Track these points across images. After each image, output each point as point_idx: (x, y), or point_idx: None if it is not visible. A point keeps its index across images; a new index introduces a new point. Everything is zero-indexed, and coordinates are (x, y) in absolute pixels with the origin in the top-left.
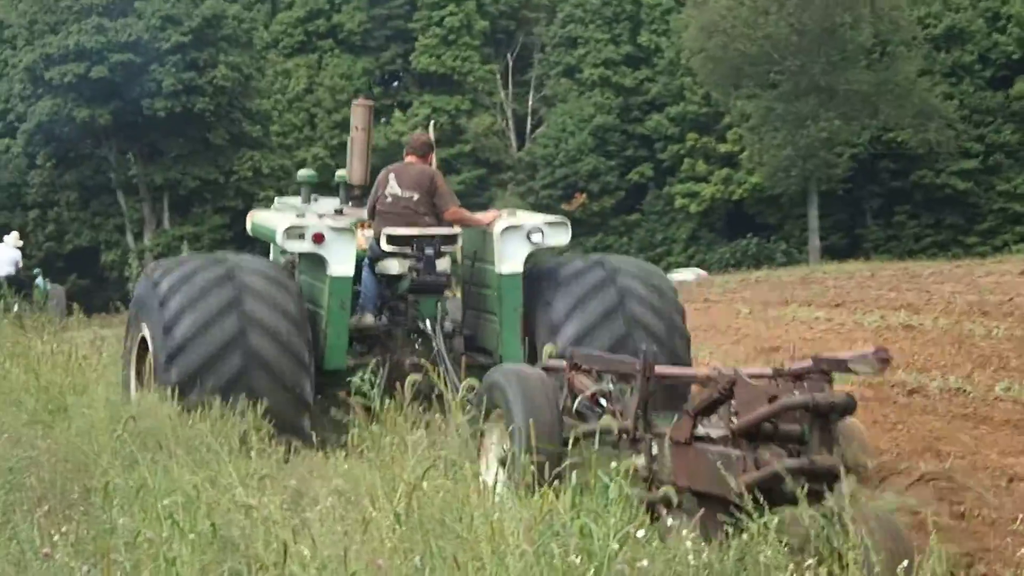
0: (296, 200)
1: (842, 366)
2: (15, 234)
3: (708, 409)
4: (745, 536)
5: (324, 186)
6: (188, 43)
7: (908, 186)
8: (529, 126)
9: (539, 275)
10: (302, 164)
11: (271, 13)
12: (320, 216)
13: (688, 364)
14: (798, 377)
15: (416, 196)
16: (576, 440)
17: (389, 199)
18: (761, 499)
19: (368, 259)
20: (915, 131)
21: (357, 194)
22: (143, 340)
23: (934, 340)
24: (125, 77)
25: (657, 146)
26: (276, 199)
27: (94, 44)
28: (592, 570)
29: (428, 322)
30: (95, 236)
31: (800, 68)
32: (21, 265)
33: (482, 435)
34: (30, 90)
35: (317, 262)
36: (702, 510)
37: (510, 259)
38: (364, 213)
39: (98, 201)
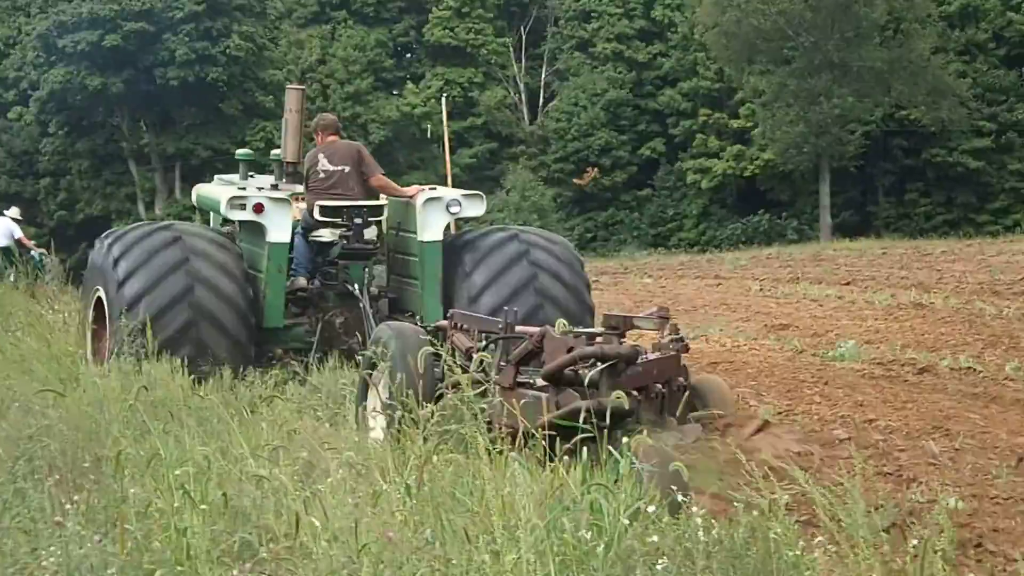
0: (235, 177)
1: (629, 323)
2: (15, 209)
3: (526, 359)
4: (755, 512)
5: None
6: (202, 12)
7: (920, 164)
8: (542, 100)
9: (461, 246)
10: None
11: None
12: (259, 189)
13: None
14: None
15: (347, 168)
16: (447, 390)
17: (322, 174)
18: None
19: (302, 228)
20: (928, 109)
21: (290, 171)
22: (99, 301)
23: (944, 319)
24: (138, 46)
25: (669, 121)
26: (216, 176)
27: (108, 12)
28: (602, 545)
29: (356, 285)
30: (107, 205)
31: (814, 44)
32: (17, 237)
33: (369, 384)
34: (43, 58)
35: (257, 230)
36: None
37: (431, 228)
38: (298, 188)
39: (110, 170)
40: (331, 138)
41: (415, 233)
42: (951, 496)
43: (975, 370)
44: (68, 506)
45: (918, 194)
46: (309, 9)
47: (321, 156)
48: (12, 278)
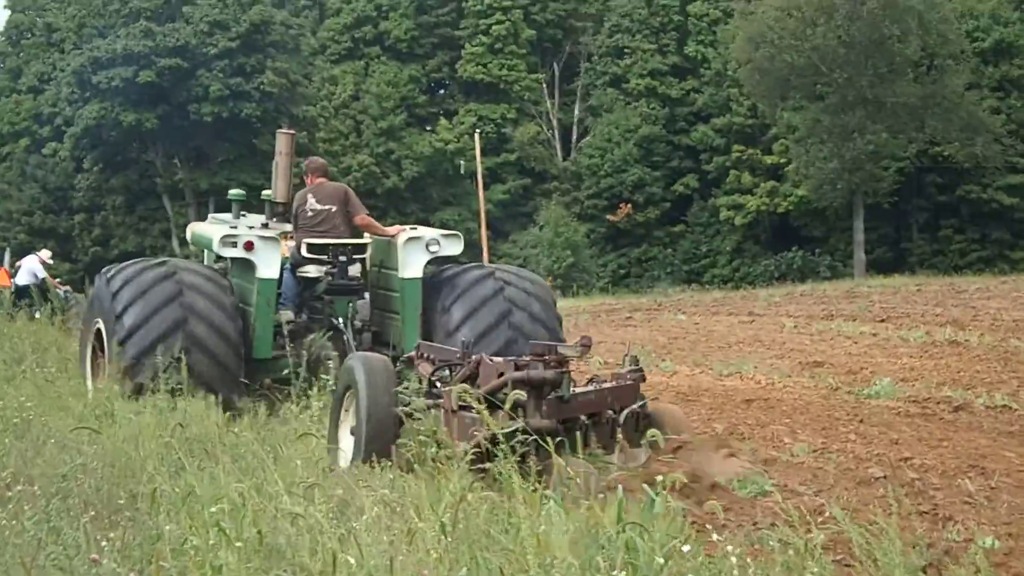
0: (228, 216)
1: (553, 351)
2: (46, 252)
3: (466, 382)
4: (791, 552)
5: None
6: (236, 48)
7: (955, 200)
8: (575, 136)
9: (440, 283)
10: (348, 171)
11: (319, 19)
12: (250, 228)
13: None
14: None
15: (334, 208)
16: (409, 414)
17: (310, 213)
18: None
19: (290, 265)
20: (962, 145)
21: (280, 210)
22: (98, 332)
23: (980, 356)
24: (173, 82)
25: (703, 157)
26: (210, 215)
27: (142, 48)
28: None
29: (341, 320)
30: (141, 241)
31: (847, 80)
32: (42, 277)
33: (341, 409)
34: (78, 94)
35: (247, 266)
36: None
37: (411, 266)
38: (287, 227)
39: (144, 206)
40: (319, 180)
41: (396, 270)
42: (987, 535)
43: (1011, 408)
44: (104, 543)
45: (952, 231)
46: (342, 45)
47: (310, 196)
48: (38, 315)
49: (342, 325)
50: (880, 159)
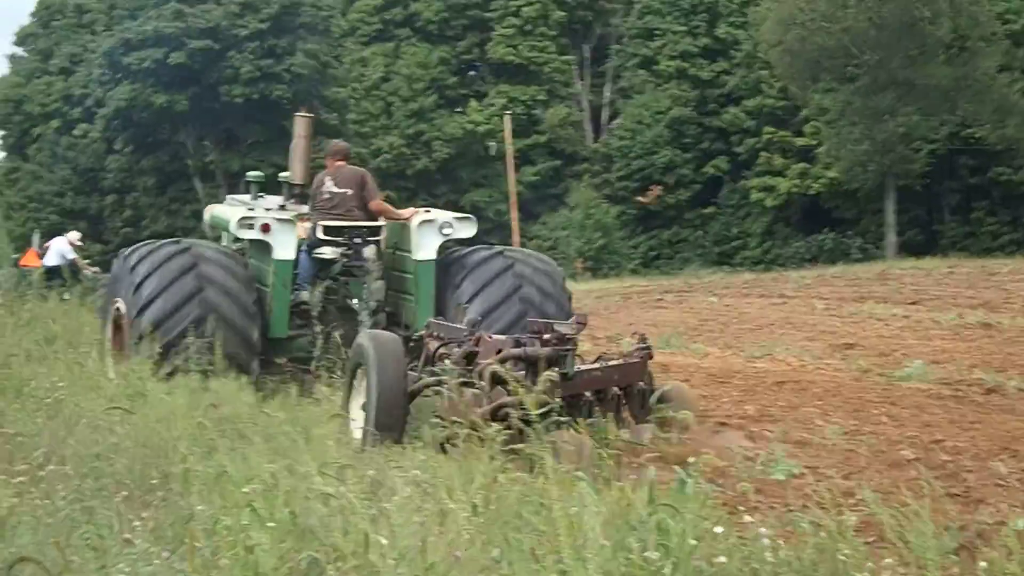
0: (246, 198)
1: (549, 328)
2: (75, 233)
3: (468, 359)
4: (823, 533)
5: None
6: (266, 30)
7: (986, 183)
8: (605, 117)
9: (450, 263)
10: (378, 153)
11: (349, 1)
12: (267, 210)
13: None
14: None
15: (350, 191)
16: (419, 389)
17: (327, 195)
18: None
19: (307, 246)
20: (994, 127)
21: (298, 192)
22: (118, 311)
23: (1012, 339)
24: (203, 64)
25: (733, 139)
26: (228, 196)
27: (173, 30)
28: (670, 566)
29: (355, 300)
30: (172, 222)
31: (878, 62)
32: (71, 259)
33: (351, 393)
34: (109, 75)
35: (264, 248)
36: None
37: (425, 248)
38: (304, 208)
39: (175, 187)
40: (339, 163)
41: (410, 252)
42: (1020, 517)
43: None
44: (136, 523)
45: (984, 213)
46: (372, 27)
47: (328, 179)
48: (67, 296)
49: (356, 305)
50: (911, 141)
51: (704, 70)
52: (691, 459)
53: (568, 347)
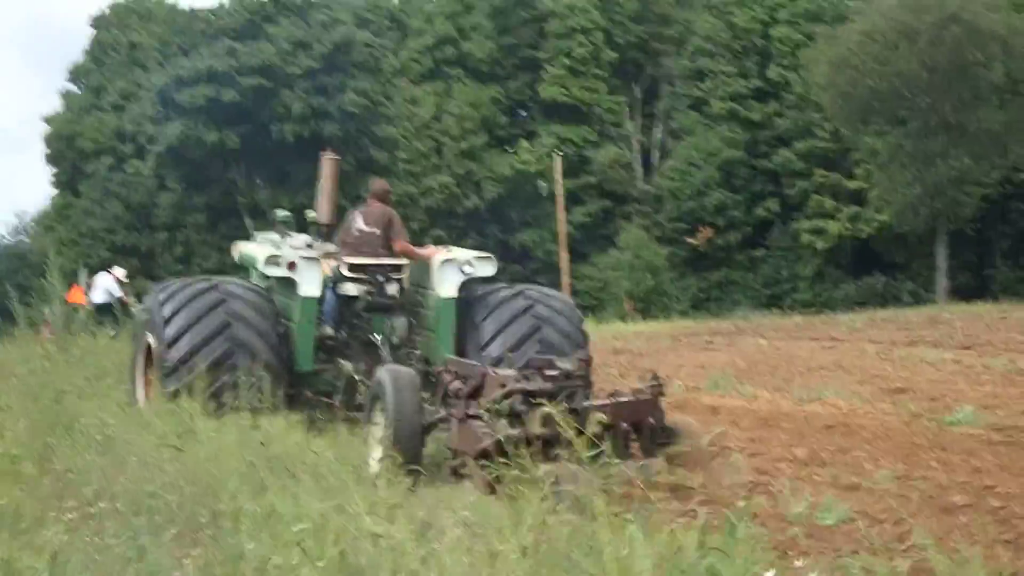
0: (275, 236)
1: (551, 364)
2: (121, 270)
3: (473, 394)
4: None
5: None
6: (318, 68)
7: None
8: (656, 158)
9: (472, 301)
10: (428, 191)
11: (401, 40)
12: (293, 248)
13: (588, 380)
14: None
15: (377, 231)
16: (433, 423)
17: (356, 233)
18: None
19: (332, 283)
20: None
21: (324, 231)
22: (148, 346)
23: None
24: (255, 101)
25: (784, 181)
26: (257, 234)
27: (225, 67)
28: None
29: (379, 336)
30: (222, 259)
31: (930, 105)
32: (118, 295)
33: (371, 423)
34: (161, 112)
35: (290, 285)
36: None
37: (447, 286)
38: (330, 247)
39: (226, 224)
40: (373, 203)
41: (433, 290)
42: None
43: None
44: (186, 561)
45: None
46: (424, 66)
47: (358, 217)
48: (113, 333)
49: (378, 341)
50: (963, 185)
51: (755, 112)
52: (741, 503)
53: (577, 383)
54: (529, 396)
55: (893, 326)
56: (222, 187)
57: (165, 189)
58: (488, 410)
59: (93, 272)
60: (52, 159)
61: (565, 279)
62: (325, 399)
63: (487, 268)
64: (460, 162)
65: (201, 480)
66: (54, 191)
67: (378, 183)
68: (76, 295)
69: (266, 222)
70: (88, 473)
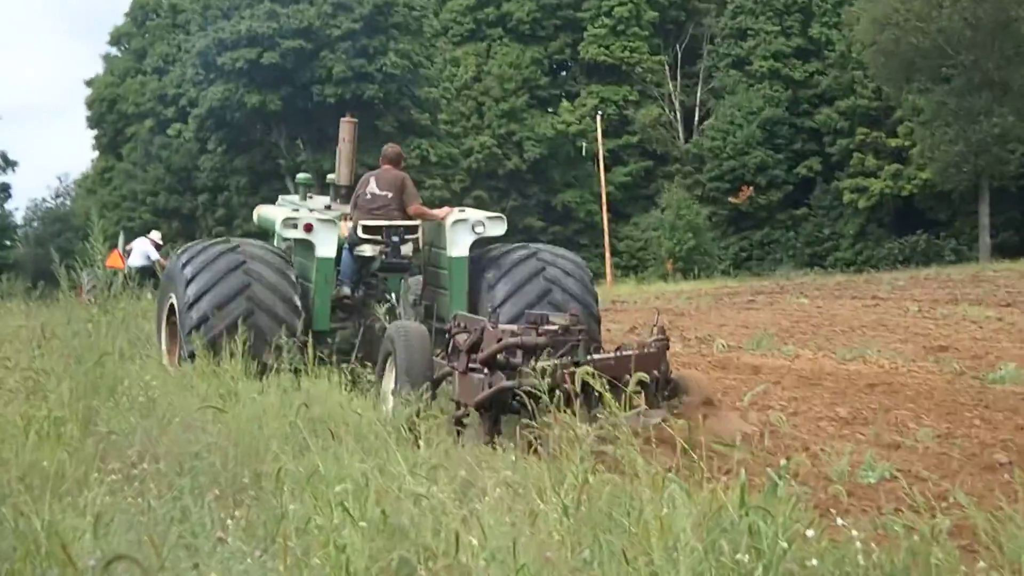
0: (295, 198)
1: (544, 319)
2: (156, 232)
3: (472, 348)
4: (916, 537)
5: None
6: (359, 30)
7: None
8: (697, 118)
9: (484, 260)
10: (469, 152)
11: (441, 1)
12: (311, 210)
13: (599, 341)
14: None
15: (390, 195)
16: (442, 377)
17: (368, 196)
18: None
19: (348, 244)
20: None
21: (344, 193)
22: (171, 307)
23: None
24: (296, 63)
25: (826, 140)
26: (280, 197)
27: (266, 30)
28: (761, 568)
29: (393, 295)
30: None
31: (973, 63)
32: (156, 259)
33: (383, 378)
34: (202, 75)
35: (307, 246)
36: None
37: (459, 245)
38: (349, 208)
39: (267, 186)
40: (386, 166)
41: (445, 250)
42: None
43: None
44: (229, 522)
45: None
46: (465, 27)
47: (372, 180)
48: (150, 295)
49: (394, 300)
50: (1006, 142)
51: (797, 70)
52: (783, 461)
53: (576, 338)
54: (525, 349)
55: (935, 284)
56: (263, 149)
57: (206, 152)
58: (483, 362)
59: (130, 238)
60: (94, 122)
61: (606, 239)
62: (343, 356)
63: (498, 228)
64: (501, 123)
65: (243, 441)
66: (96, 154)
67: (390, 147)
68: (114, 260)
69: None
70: (131, 435)
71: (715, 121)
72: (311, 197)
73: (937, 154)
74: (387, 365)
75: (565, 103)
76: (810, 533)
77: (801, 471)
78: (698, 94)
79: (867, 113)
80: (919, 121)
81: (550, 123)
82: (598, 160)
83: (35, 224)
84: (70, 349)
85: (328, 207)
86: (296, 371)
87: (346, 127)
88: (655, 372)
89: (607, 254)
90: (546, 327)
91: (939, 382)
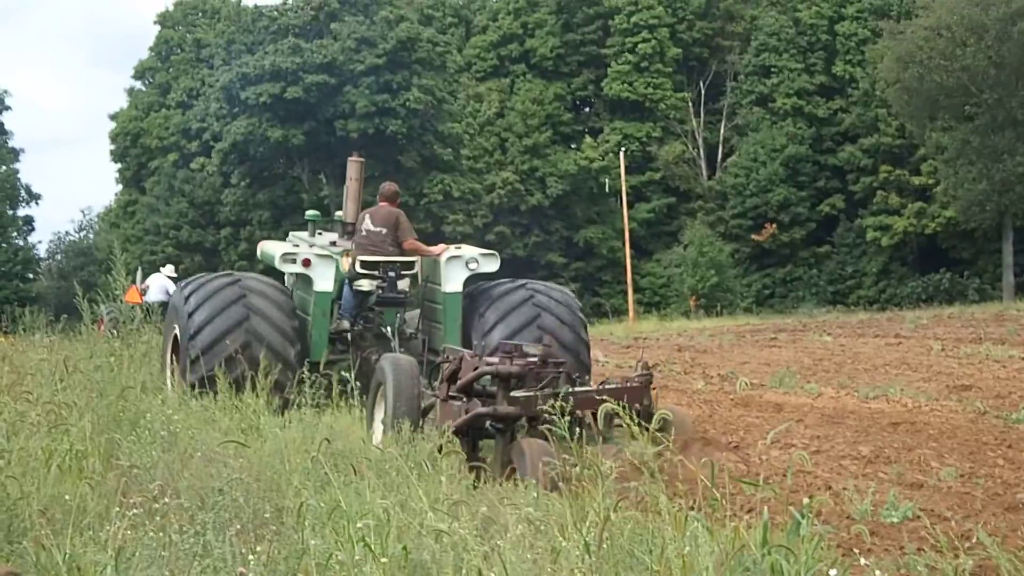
0: (304, 234)
1: (519, 349)
2: (170, 267)
3: (452, 377)
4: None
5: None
6: (382, 65)
7: None
8: (720, 155)
9: (477, 294)
10: (492, 188)
11: (465, 37)
12: (311, 246)
13: (588, 366)
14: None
15: (384, 231)
16: (430, 406)
17: (364, 233)
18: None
19: (347, 278)
20: None
21: (350, 230)
22: (175, 337)
23: None
24: (319, 98)
25: (849, 178)
26: (290, 233)
27: (290, 65)
28: None
29: (389, 328)
30: None
31: (997, 101)
32: (172, 292)
33: (374, 407)
34: (226, 109)
35: (306, 280)
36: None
37: (453, 281)
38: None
39: (290, 220)
40: (382, 204)
41: (440, 285)
42: None
43: None
44: (250, 557)
45: None
46: (488, 63)
47: (367, 217)
48: None
49: (389, 333)
50: None
51: (821, 108)
52: (806, 499)
53: (556, 369)
54: (500, 378)
55: (959, 323)
56: (286, 184)
57: (229, 186)
58: (461, 390)
59: (148, 273)
60: (117, 156)
61: (628, 276)
62: (340, 386)
63: (491, 264)
64: (524, 159)
65: (265, 476)
66: (119, 188)
67: (387, 185)
68: (132, 295)
69: (330, 219)
70: (153, 469)
71: (738, 158)
72: (320, 233)
73: (960, 192)
74: (378, 395)
75: (588, 139)
76: (833, 573)
77: (824, 510)
78: (721, 131)
79: (891, 151)
80: (943, 159)
81: (573, 159)
82: (621, 196)
83: (58, 257)
84: (92, 383)
85: (334, 243)
86: (317, 406)
87: (353, 166)
88: (636, 405)
89: (629, 290)
90: (521, 357)
91: (962, 421)
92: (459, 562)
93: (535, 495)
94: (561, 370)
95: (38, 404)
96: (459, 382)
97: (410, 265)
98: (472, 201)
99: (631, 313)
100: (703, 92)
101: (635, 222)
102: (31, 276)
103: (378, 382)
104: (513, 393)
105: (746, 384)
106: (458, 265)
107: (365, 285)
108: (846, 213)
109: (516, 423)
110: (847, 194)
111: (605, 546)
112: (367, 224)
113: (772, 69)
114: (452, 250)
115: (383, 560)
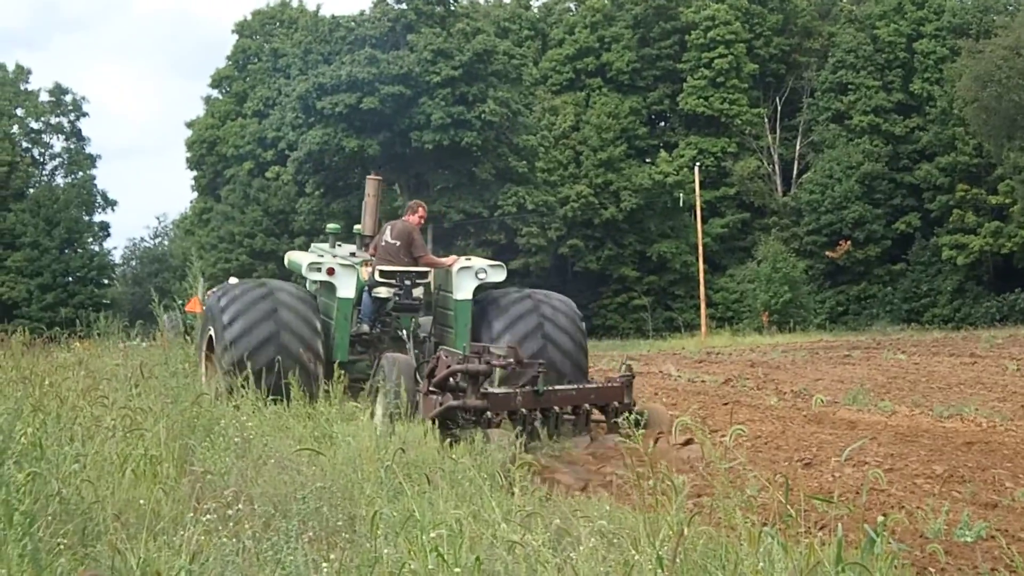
0: (325, 245)
1: (487, 351)
2: (234, 279)
3: (431, 373)
4: None
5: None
6: (458, 77)
7: None
8: (795, 171)
9: (487, 303)
10: (566, 201)
11: (541, 50)
12: (334, 256)
13: (585, 370)
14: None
15: (398, 244)
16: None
17: (384, 244)
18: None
19: (367, 286)
20: None
21: (368, 242)
22: (210, 339)
23: None
24: (395, 109)
25: (925, 196)
26: (312, 244)
27: (366, 75)
28: None
29: (404, 332)
30: None
31: None
32: None
33: (375, 400)
34: (302, 119)
35: (330, 288)
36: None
37: (463, 289)
38: (369, 254)
39: None
40: (405, 219)
41: (452, 293)
42: None
43: None
44: (323, 564)
45: None
46: (564, 76)
47: (387, 230)
48: None
49: (405, 337)
50: None
51: (897, 125)
52: (880, 517)
53: (535, 370)
54: (468, 375)
55: None
56: (361, 194)
57: (304, 195)
58: (437, 386)
59: (211, 285)
60: (193, 164)
61: (702, 291)
62: (359, 384)
63: (499, 275)
64: (598, 172)
65: (338, 484)
66: (194, 195)
67: (413, 203)
68: (193, 305)
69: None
70: (226, 475)
71: (813, 174)
72: (340, 245)
73: None
74: (380, 391)
75: (663, 153)
76: None
77: (898, 528)
78: (797, 147)
79: (967, 170)
80: (1020, 179)
81: (647, 173)
82: (695, 211)
83: (133, 263)
84: (167, 388)
85: (353, 254)
86: (391, 416)
87: (371, 184)
88: (615, 403)
89: (702, 305)
90: (491, 357)
91: None
92: (532, 574)
93: (608, 508)
94: (540, 370)
95: (113, 409)
96: (434, 379)
97: (424, 274)
98: (546, 214)
99: (703, 328)
100: (779, 108)
101: (709, 237)
102: (106, 282)
103: (380, 379)
104: (492, 389)
105: (821, 401)
106: (468, 275)
107: (383, 292)
108: (922, 231)
109: (483, 414)
110: (923, 212)
111: (679, 561)
112: (386, 236)
113: (849, 86)
114: (463, 261)
115: (456, 570)
